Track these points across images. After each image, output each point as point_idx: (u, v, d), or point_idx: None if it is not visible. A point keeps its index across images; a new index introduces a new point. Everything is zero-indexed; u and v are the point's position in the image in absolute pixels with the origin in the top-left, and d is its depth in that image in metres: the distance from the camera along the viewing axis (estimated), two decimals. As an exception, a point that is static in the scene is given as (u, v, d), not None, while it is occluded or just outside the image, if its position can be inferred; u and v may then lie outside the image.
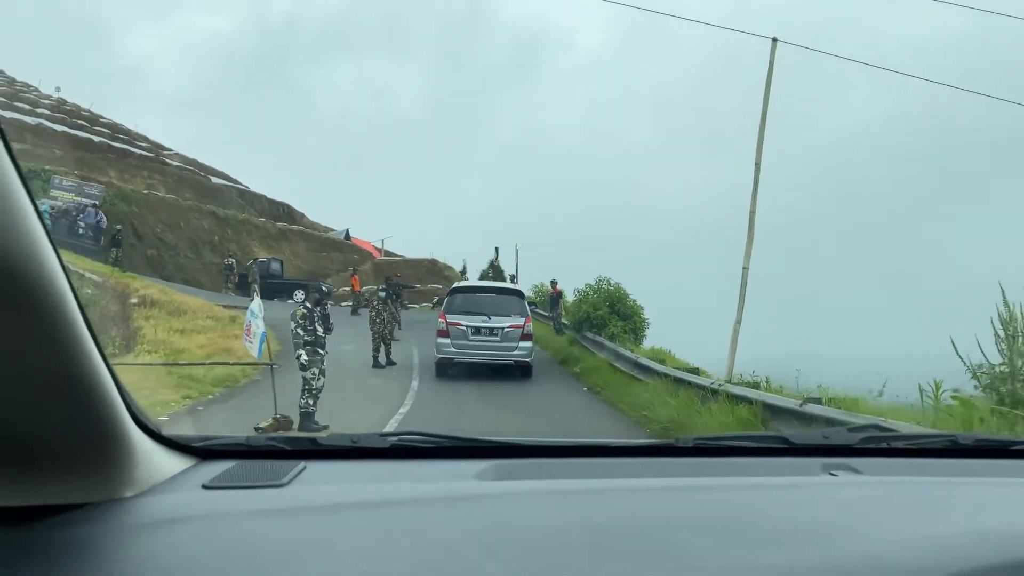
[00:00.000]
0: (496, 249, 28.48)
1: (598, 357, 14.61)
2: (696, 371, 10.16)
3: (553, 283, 20.66)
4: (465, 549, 0.91)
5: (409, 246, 44.67)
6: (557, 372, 15.25)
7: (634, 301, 16.87)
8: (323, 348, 8.65)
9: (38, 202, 0.75)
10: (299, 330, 8.46)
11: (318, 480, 1.21)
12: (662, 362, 11.32)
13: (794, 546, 0.95)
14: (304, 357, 8.36)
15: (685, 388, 8.92)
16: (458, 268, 33.43)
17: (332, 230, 44.13)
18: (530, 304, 16.34)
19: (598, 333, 16.08)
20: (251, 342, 8.30)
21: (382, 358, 14.22)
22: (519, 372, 13.02)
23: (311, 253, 38.02)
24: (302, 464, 1.25)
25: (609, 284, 17.24)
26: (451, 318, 12.80)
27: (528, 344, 12.96)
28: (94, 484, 0.98)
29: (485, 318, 12.57)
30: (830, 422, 5.64)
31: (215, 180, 40.76)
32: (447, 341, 12.65)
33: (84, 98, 43.41)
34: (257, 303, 8.62)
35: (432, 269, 42.23)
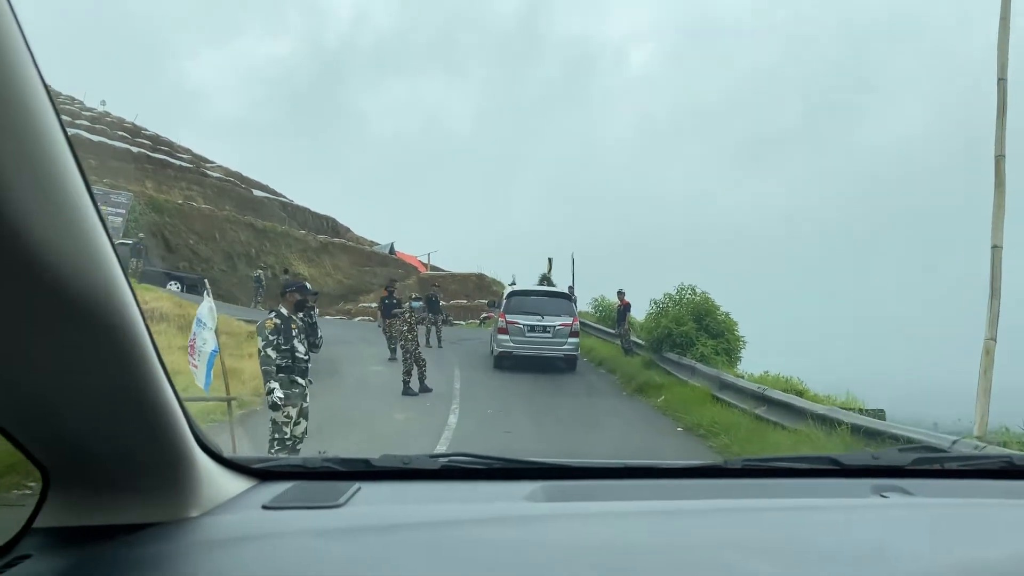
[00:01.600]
0: (549, 260, 25.42)
1: (690, 387, 11.38)
2: (880, 414, 6.84)
3: (620, 294, 17.38)
4: (518, 570, 0.91)
5: (457, 262, 42.30)
6: (634, 405, 11.99)
7: (726, 315, 13.58)
8: (304, 375, 5.70)
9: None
10: (269, 350, 5.52)
11: (373, 501, 1.22)
12: (799, 394, 8.08)
13: (844, 569, 0.93)
14: (277, 392, 5.47)
15: (881, 441, 5.66)
16: (507, 282, 30.58)
17: (377, 244, 42.05)
18: (581, 318, 17.06)
19: (683, 353, 12.90)
20: (196, 364, 5.48)
21: (414, 384, 11.45)
22: (564, 365, 14.32)
23: (354, 267, 35.84)
24: (357, 485, 1.26)
25: (694, 294, 14.02)
26: (510, 317, 14.16)
27: (575, 340, 14.32)
28: (162, 505, 1.01)
29: (539, 317, 13.98)
30: None
31: (257, 193, 39.18)
32: (506, 337, 14.04)
33: (153, 122, 42.73)
34: (207, 307, 5.75)
35: (480, 284, 39.63)
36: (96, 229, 0.68)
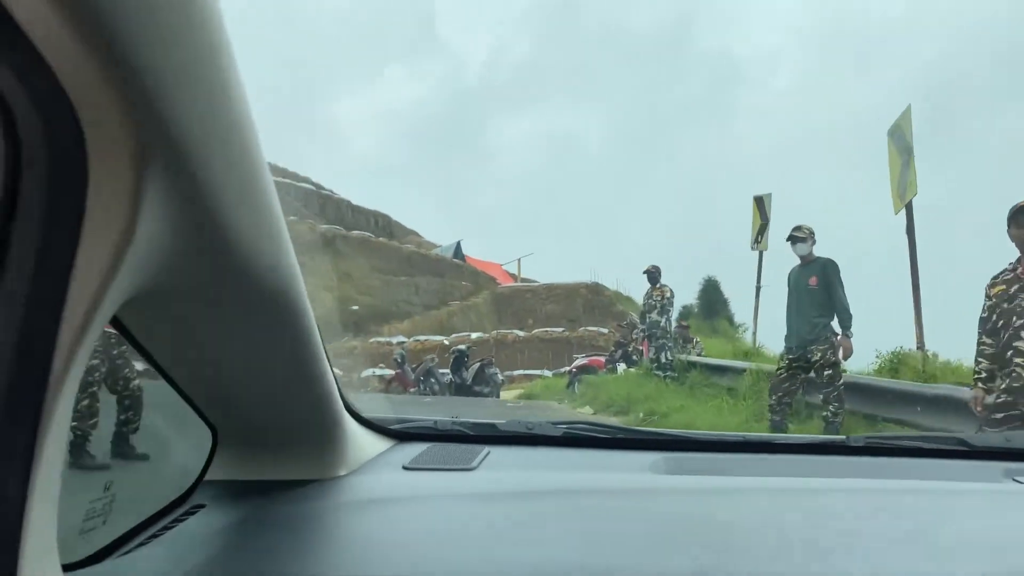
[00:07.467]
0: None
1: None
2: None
3: None
4: (647, 541, 0.92)
5: (563, 273, 27.56)
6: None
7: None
8: None
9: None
10: None
11: (502, 465, 1.28)
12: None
13: (986, 557, 0.87)
14: None
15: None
16: (636, 295, 15.27)
17: (438, 246, 28.54)
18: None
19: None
20: None
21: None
22: None
23: (380, 275, 22.15)
24: (486, 449, 1.32)
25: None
26: None
27: None
28: (316, 464, 1.10)
29: None
30: None
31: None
32: None
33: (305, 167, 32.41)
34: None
35: (592, 300, 24.25)
36: (282, 225, 0.74)
